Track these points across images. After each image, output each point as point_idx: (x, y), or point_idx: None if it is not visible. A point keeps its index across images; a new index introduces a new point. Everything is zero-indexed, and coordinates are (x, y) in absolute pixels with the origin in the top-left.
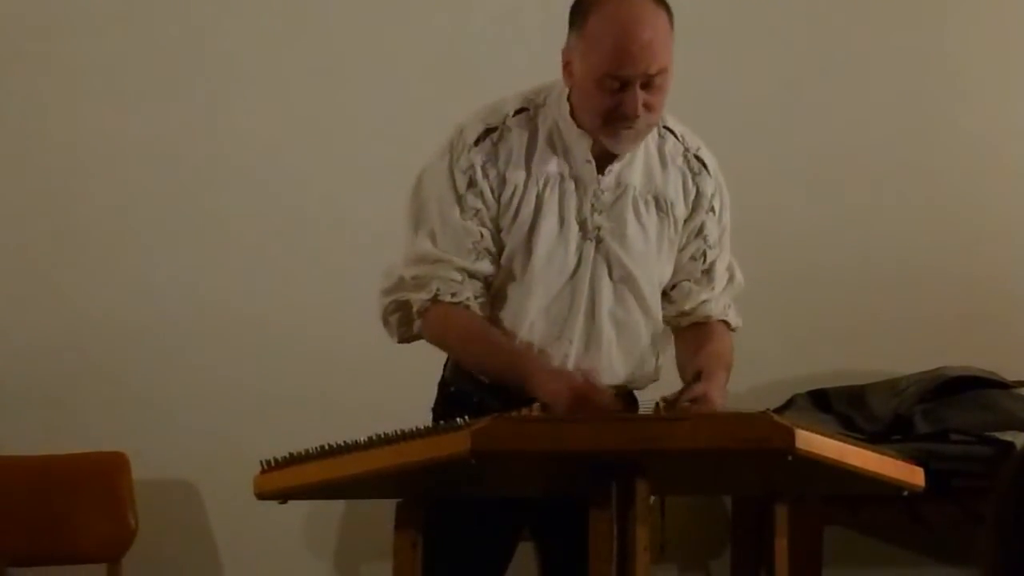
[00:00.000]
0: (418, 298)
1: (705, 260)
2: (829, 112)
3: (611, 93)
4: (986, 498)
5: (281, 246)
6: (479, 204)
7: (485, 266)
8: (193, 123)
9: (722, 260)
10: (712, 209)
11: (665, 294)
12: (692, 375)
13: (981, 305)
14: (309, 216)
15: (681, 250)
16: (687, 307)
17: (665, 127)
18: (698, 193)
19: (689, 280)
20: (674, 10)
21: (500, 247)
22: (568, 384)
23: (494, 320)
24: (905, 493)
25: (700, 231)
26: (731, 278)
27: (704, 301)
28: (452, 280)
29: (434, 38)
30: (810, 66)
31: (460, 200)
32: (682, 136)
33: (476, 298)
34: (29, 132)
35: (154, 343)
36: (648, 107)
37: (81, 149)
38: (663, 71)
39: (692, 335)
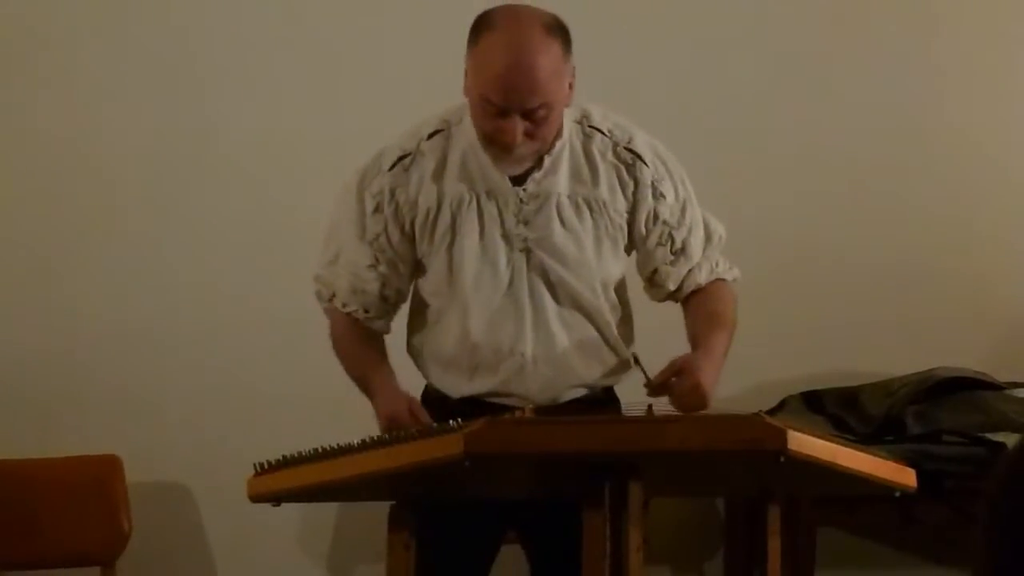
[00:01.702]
0: (322, 297)
1: (674, 242)
2: (821, 114)
3: (492, 116)
4: (978, 499)
5: (273, 249)
6: (379, 229)
7: (373, 287)
8: (187, 125)
9: (694, 233)
10: (661, 195)
11: (650, 281)
12: (691, 345)
13: (973, 306)
14: (303, 220)
15: (644, 240)
16: (673, 286)
17: (591, 126)
18: (637, 184)
19: (665, 264)
20: (664, 7)
21: (410, 269)
22: (391, 409)
23: (438, 341)
24: (897, 494)
25: (656, 218)
26: (709, 238)
27: (688, 273)
28: (345, 291)
29: (431, 40)
30: (801, 68)
31: (363, 222)
32: (610, 131)
33: (366, 312)
34: (20, 134)
35: (147, 346)
36: (529, 136)
37: (74, 151)
38: (545, 105)
39: (690, 304)
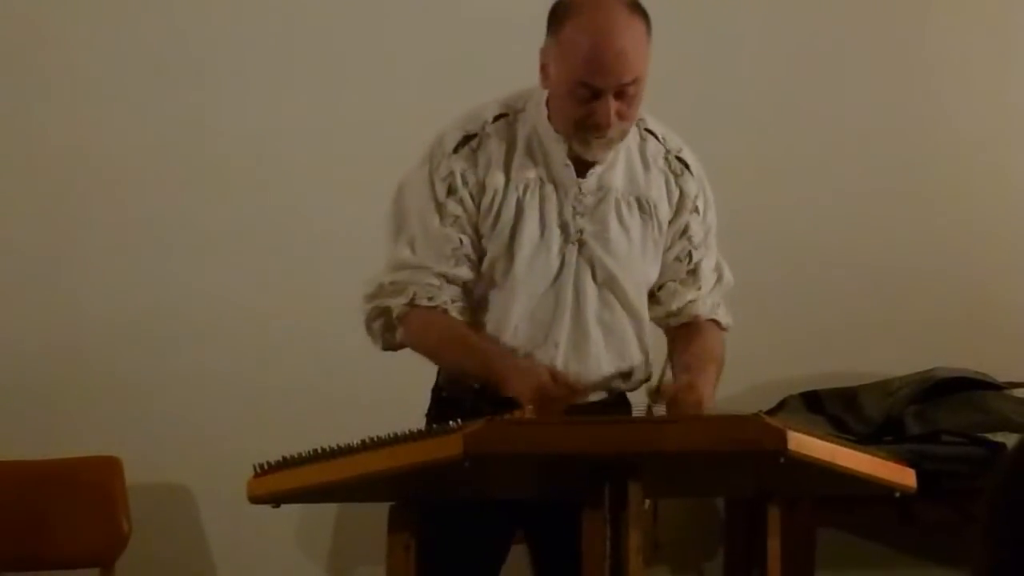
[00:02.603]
0: (397, 303)
1: (691, 260)
2: (820, 116)
3: (583, 101)
4: (978, 499)
5: (275, 250)
6: (459, 211)
7: (464, 272)
8: (188, 125)
9: (708, 260)
10: (696, 209)
11: (652, 295)
12: (680, 369)
13: (972, 306)
14: (304, 221)
15: (666, 251)
16: (674, 307)
17: (646, 129)
18: (681, 194)
19: (675, 281)
20: (663, 11)
21: (481, 253)
22: (535, 381)
23: (479, 325)
24: (897, 494)
25: (685, 231)
26: (719, 278)
27: (691, 301)
28: (430, 285)
29: (429, 41)
30: (798, 71)
31: (440, 207)
32: (663, 137)
33: (454, 302)
34: (21, 135)
35: (147, 347)
36: (621, 116)
37: (73, 153)
38: (636, 80)
39: (681, 335)
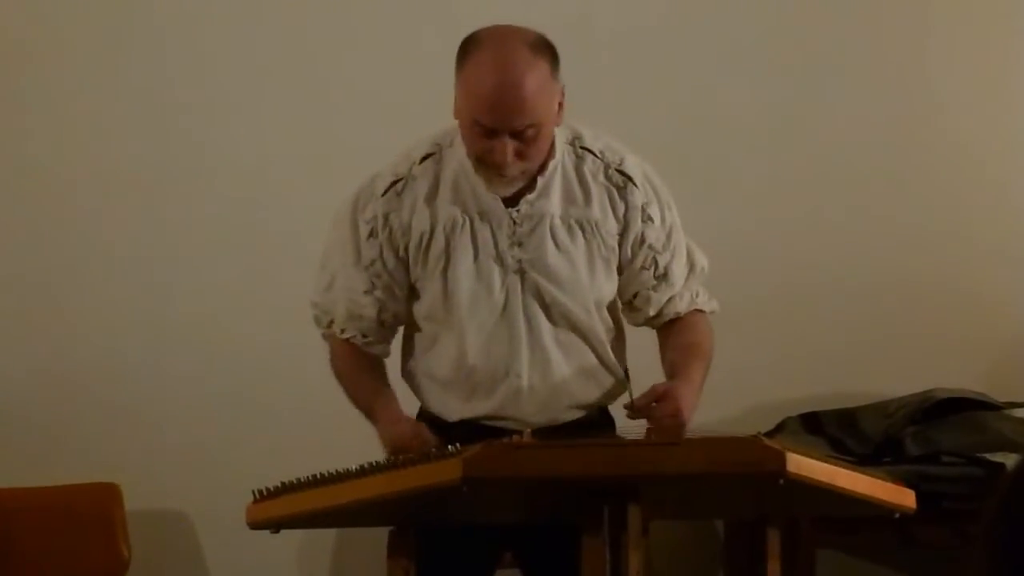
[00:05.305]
0: (319, 325)
1: (657, 267)
2: (820, 132)
3: (481, 137)
4: (977, 519)
5: (272, 277)
6: (375, 254)
7: (370, 312)
8: (184, 148)
9: (677, 259)
10: (649, 218)
11: (630, 304)
12: (667, 369)
13: (971, 327)
14: (301, 245)
15: (629, 263)
16: (652, 312)
17: (583, 147)
18: (628, 207)
19: (647, 288)
20: (654, 19)
21: (406, 293)
22: (394, 434)
23: (437, 362)
24: (897, 515)
25: (642, 241)
26: (692, 267)
27: (669, 300)
28: (342, 317)
29: (421, 57)
30: (795, 87)
31: (358, 248)
32: (602, 152)
33: (365, 337)
34: (14, 158)
35: (145, 374)
36: (520, 156)
37: (72, 182)
38: (533, 125)
39: (668, 332)
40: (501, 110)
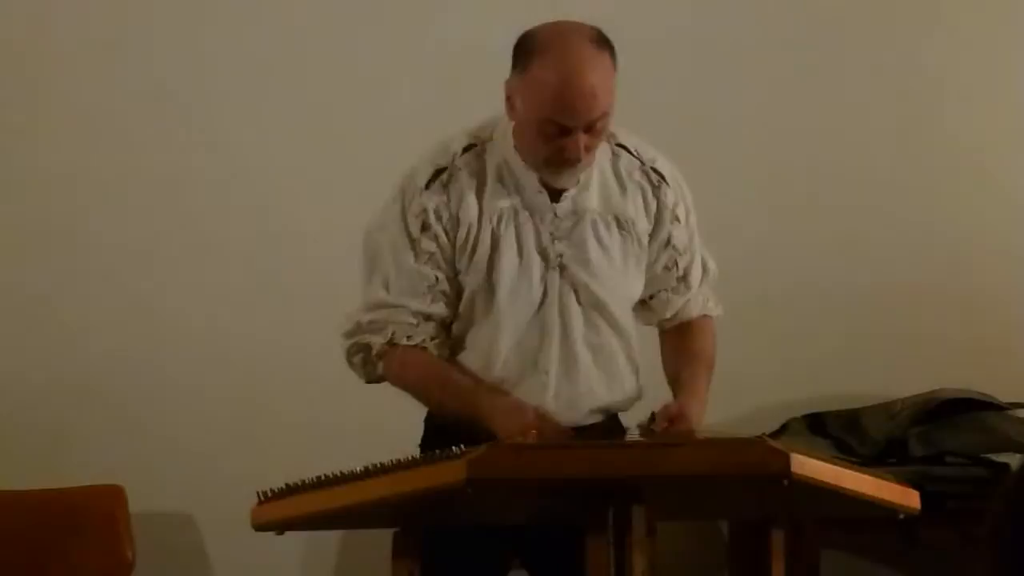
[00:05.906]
0: (376, 341)
1: (678, 268)
2: (824, 132)
3: (551, 137)
4: (982, 520)
5: (274, 279)
6: (433, 247)
7: (440, 308)
8: (190, 155)
9: (695, 263)
10: (677, 218)
11: (644, 304)
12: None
13: (975, 327)
14: (308, 249)
15: (653, 263)
16: (668, 314)
17: (618, 144)
18: (659, 206)
19: (666, 290)
20: (651, 23)
21: (458, 289)
22: (521, 420)
23: (462, 360)
24: (901, 516)
25: (668, 242)
26: (705, 271)
27: (684, 303)
28: (408, 324)
29: (432, 59)
30: (799, 89)
31: (414, 244)
32: (636, 150)
33: (433, 339)
34: (20, 165)
35: (149, 377)
36: (588, 148)
37: (77, 189)
38: (604, 115)
39: (675, 335)
40: (578, 109)
